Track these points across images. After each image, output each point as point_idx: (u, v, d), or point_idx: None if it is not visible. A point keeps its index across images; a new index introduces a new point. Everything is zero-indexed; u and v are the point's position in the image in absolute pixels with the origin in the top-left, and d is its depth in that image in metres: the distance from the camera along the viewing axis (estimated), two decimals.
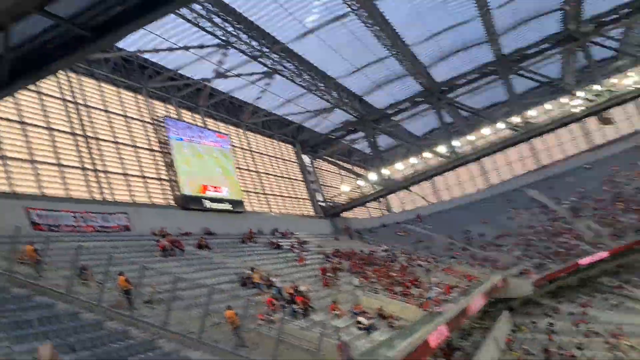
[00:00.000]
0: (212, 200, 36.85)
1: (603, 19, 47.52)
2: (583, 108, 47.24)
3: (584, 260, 47.41)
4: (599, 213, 53.06)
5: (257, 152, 47.89)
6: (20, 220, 22.29)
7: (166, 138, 35.51)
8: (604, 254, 47.75)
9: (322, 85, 46.24)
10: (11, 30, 13.78)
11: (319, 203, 54.14)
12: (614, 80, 49.04)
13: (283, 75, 42.06)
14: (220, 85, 41.77)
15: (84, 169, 29.22)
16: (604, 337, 38.91)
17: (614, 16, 47.93)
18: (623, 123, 64.84)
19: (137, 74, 35.34)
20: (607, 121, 55.69)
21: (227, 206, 38.20)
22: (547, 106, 51.35)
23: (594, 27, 46.34)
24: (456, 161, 50.22)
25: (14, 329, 14.08)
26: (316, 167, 56.71)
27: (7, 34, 13.72)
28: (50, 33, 14.78)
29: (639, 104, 63.36)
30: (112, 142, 32.14)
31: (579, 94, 47.69)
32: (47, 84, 28.20)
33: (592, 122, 62.07)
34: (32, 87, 26.58)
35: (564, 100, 49.73)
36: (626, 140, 63.46)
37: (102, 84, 33.02)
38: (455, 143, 49.85)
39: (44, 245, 19.02)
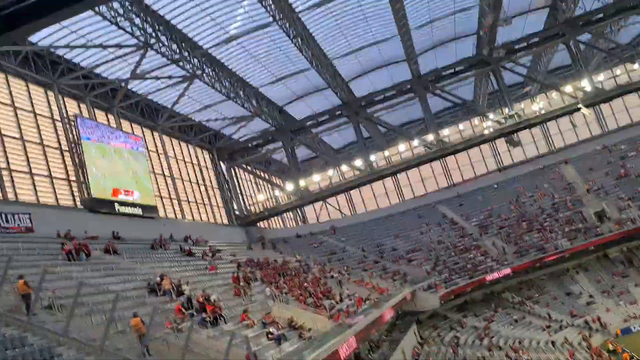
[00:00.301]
0: (123, 204, 35.81)
1: (514, 47, 49.83)
2: (493, 130, 49.21)
3: (489, 276, 49.10)
4: (505, 231, 55.20)
5: (173, 157, 46.94)
6: None
7: (77, 137, 34.26)
8: (507, 271, 49.64)
9: (242, 93, 46.05)
10: None
11: (234, 211, 53.66)
12: (522, 105, 51.54)
13: (202, 81, 41.61)
14: (137, 86, 40.85)
15: None
16: (505, 350, 40.44)
17: (524, 44, 50.42)
18: (529, 146, 68.04)
19: (49, 70, 33.97)
20: (514, 144, 58.31)
21: (138, 211, 37.18)
22: (460, 126, 53.34)
23: (505, 53, 48.45)
24: (372, 175, 51.07)
25: None
26: (233, 175, 56.19)
27: None
28: None
29: (545, 129, 66.62)
30: (18, 138, 30.74)
31: (490, 116, 49.67)
32: None
33: (501, 144, 64.77)
34: None
35: (475, 122, 51.81)
36: (532, 162, 66.48)
37: (10, 78, 31.60)
38: (372, 157, 50.69)
39: None
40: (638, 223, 49.11)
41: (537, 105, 50.87)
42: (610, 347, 40.82)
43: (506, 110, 48.81)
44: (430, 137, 49.91)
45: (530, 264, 50.18)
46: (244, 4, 35.29)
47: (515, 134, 52.52)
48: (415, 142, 53.13)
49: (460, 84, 56.36)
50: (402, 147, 52.51)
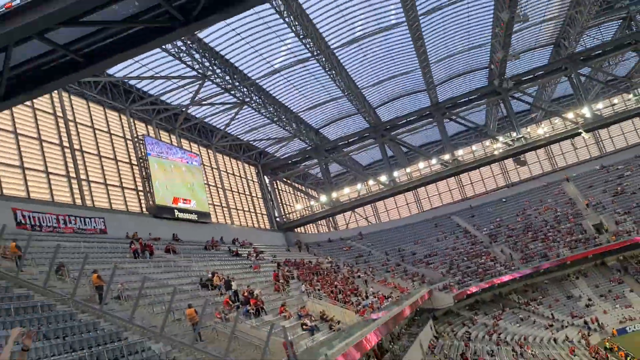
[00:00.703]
0: (182, 210, 36.48)
1: (521, 78, 49.44)
2: (502, 151, 48.78)
3: (498, 279, 48.53)
4: (512, 240, 54.48)
5: (224, 171, 47.68)
6: (7, 219, 21.71)
7: (143, 154, 35.17)
8: (515, 275, 49.02)
9: (284, 117, 46.55)
10: (12, 52, 13.61)
11: (275, 218, 54.10)
12: (528, 129, 51.06)
13: (250, 107, 42.26)
14: (195, 111, 41.66)
15: (68, 176, 28.67)
16: (511, 345, 39.84)
17: (531, 76, 50.01)
18: (535, 165, 67.22)
19: (122, 97, 34.95)
20: (521, 163, 57.54)
21: (194, 217, 37.83)
22: (473, 147, 53.03)
23: (513, 84, 48.09)
24: (395, 189, 51.03)
25: None
26: (274, 187, 56.74)
27: (7, 55, 13.54)
28: (47, 56, 14.64)
29: (549, 150, 65.77)
30: (95, 154, 31.66)
31: (500, 138, 49.27)
32: (41, 100, 27.70)
33: (509, 163, 64.07)
34: (27, 102, 26.06)
35: (486, 143, 51.44)
36: (537, 179, 65.59)
37: (90, 104, 32.60)
38: (395, 174, 50.66)
39: (26, 242, 18.60)
40: (633, 235, 48.08)
41: (542, 129, 50.51)
42: (607, 345, 39.98)
43: (514, 133, 48.35)
44: (446, 156, 49.66)
45: (535, 269, 49.45)
46: (287, 42, 35.77)
47: (522, 155, 51.87)
48: (433, 161, 53.12)
49: (473, 110, 56.02)
50: (421, 164, 52.38)
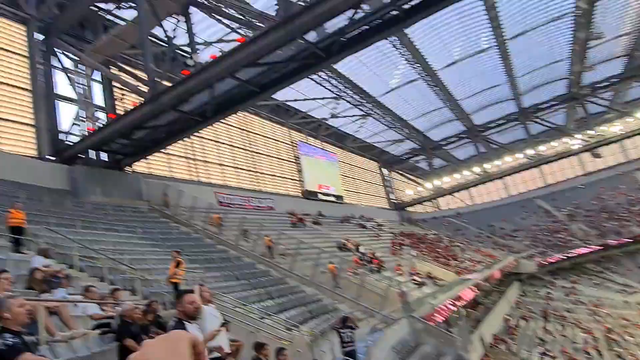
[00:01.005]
0: (324, 194, 37.59)
1: (597, 85, 43.98)
2: (580, 146, 43.91)
3: (576, 251, 43.86)
4: (589, 219, 48.79)
5: (355, 166, 48.20)
6: (212, 199, 23.92)
7: (298, 154, 36.68)
8: (590, 248, 43.95)
9: (398, 124, 45.90)
10: (215, 87, 15.00)
11: (392, 200, 53.67)
12: (603, 127, 45.33)
13: (373, 118, 42.18)
14: (333, 122, 42.41)
15: (249, 170, 30.86)
16: (587, 305, 35.99)
17: (606, 83, 44.28)
18: (609, 157, 59.29)
19: (284, 114, 36.60)
20: (597, 156, 51.26)
21: (332, 198, 38.77)
22: (554, 144, 48.21)
23: (590, 90, 42.92)
24: (486, 178, 48.24)
25: (204, 263, 15.29)
26: (391, 177, 56.22)
27: (213, 89, 14.96)
28: (235, 89, 15.94)
29: (622, 144, 57.72)
30: (266, 155, 33.65)
31: (577, 136, 44.36)
32: (231, 118, 30.02)
33: (586, 156, 57.29)
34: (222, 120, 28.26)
35: (566, 140, 46.51)
36: (611, 169, 57.93)
37: (264, 120, 34.59)
38: (486, 166, 47.79)
39: (224, 215, 20.34)
40: None
41: (616, 128, 44.46)
42: None
43: (590, 131, 43.24)
44: (530, 151, 45.83)
45: (609, 244, 43.90)
46: (400, 67, 35.19)
47: (598, 148, 46.17)
48: (519, 155, 49.17)
49: (554, 113, 50.88)
50: (508, 158, 48.86)
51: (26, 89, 18.30)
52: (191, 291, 3.99)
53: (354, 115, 41.06)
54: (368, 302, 17.23)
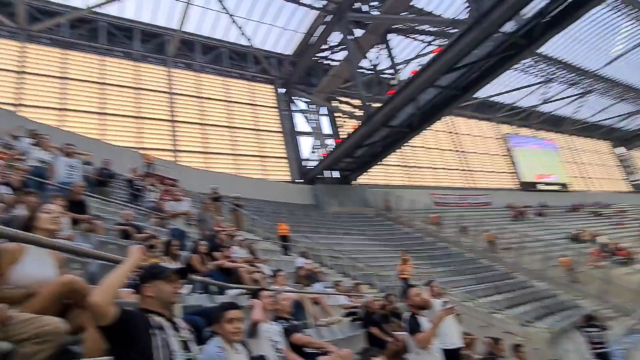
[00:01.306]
0: (544, 184, 32.82)
1: None
2: None
3: None
4: None
5: (579, 149, 40.40)
6: (428, 201, 23.91)
7: (509, 147, 33.22)
8: None
9: (630, 94, 36.47)
10: (419, 99, 15.08)
11: (633, 182, 42.50)
12: None
13: (595, 94, 34.71)
14: (543, 107, 36.65)
15: (461, 170, 29.51)
16: None
17: None
18: None
19: (489, 109, 33.80)
20: None
21: (555, 187, 33.44)
22: None
23: None
24: None
25: (428, 260, 15.31)
26: (630, 156, 44.66)
27: (417, 101, 15.07)
28: (437, 96, 15.65)
29: None
30: (475, 152, 31.52)
31: None
32: (436, 124, 29.47)
33: None
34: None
35: None
36: None
37: (468, 119, 32.67)
38: None
39: (441, 214, 20.01)
40: None
41: None
42: None
43: None
44: None
45: None
46: (622, 30, 28.04)
47: None
48: None
49: None
50: None
51: (278, 132, 22.39)
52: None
53: (570, 96, 34.66)
54: (618, 298, 14.21)
